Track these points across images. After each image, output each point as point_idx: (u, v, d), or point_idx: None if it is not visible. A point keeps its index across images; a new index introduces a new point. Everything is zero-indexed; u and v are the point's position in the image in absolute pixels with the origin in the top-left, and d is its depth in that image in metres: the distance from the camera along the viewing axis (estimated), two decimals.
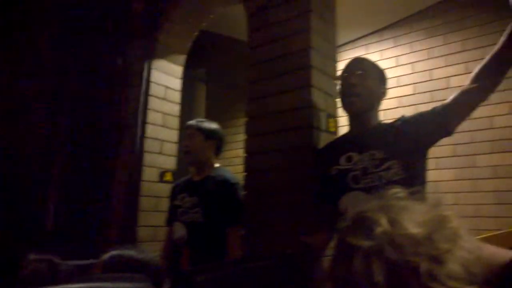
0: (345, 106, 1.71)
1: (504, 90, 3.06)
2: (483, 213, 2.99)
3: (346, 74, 1.71)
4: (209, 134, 2.30)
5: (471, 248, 0.58)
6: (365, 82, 1.65)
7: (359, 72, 1.67)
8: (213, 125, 2.37)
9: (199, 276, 1.02)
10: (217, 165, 2.30)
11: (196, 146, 2.24)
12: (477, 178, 3.09)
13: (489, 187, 3.02)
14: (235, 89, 4.74)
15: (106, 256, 1.29)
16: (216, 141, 2.32)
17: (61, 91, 3.08)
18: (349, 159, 1.62)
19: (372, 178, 1.53)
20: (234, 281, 1.10)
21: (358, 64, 1.73)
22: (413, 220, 0.58)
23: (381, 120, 1.74)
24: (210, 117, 4.96)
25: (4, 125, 2.97)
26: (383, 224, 0.57)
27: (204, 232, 2.09)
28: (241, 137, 4.55)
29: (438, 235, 0.56)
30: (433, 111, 1.61)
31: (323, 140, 1.97)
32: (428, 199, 0.67)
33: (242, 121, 4.60)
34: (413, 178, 1.48)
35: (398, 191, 0.68)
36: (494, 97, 3.03)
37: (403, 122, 1.64)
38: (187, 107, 4.37)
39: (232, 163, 4.61)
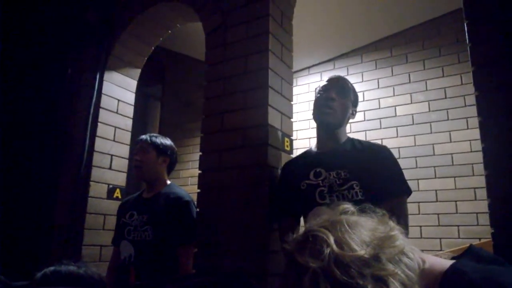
0: (318, 117, 1.76)
1: (447, 120, 3.29)
2: (425, 234, 3.15)
3: (327, 87, 1.76)
4: (162, 150, 2.23)
5: (413, 265, 0.61)
6: (342, 100, 1.72)
7: (340, 89, 1.74)
8: (167, 141, 2.31)
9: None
10: (169, 182, 2.23)
11: (148, 162, 2.17)
12: (420, 201, 3.25)
13: (431, 210, 3.19)
14: (190, 107, 4.70)
15: (39, 274, 1.18)
16: (169, 158, 2.26)
17: (5, 97, 2.89)
18: (317, 175, 1.65)
19: (337, 196, 1.56)
20: None
21: (340, 81, 1.80)
22: (360, 239, 0.60)
23: (351, 138, 1.79)
24: (164, 135, 4.91)
25: None
26: (331, 244, 0.59)
27: (153, 251, 2.01)
28: (196, 156, 4.50)
29: (385, 255, 0.58)
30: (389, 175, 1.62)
31: (279, 158, 1.99)
32: (376, 216, 0.69)
33: (197, 140, 4.57)
34: (373, 201, 1.47)
35: (347, 206, 0.70)
36: (436, 126, 3.29)
37: (370, 150, 1.69)
38: (141, 124, 4.27)
39: (187, 183, 4.52)
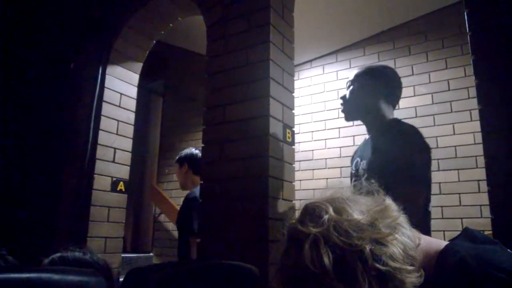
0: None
1: (450, 113, 3.28)
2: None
3: (346, 85, 1.81)
4: (180, 161, 2.59)
5: (410, 236, 0.63)
6: (353, 96, 1.73)
7: (351, 87, 1.76)
8: (184, 151, 2.64)
9: (154, 273, 0.99)
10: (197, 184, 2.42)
11: (178, 176, 2.63)
12: None
13: (435, 202, 3.19)
14: (193, 102, 4.72)
15: (47, 260, 1.21)
16: (187, 164, 2.55)
17: (10, 93, 2.92)
18: (355, 164, 1.72)
19: None
20: (188, 279, 1.08)
21: (353, 79, 1.77)
22: (358, 209, 0.62)
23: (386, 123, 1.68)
24: (166, 130, 4.94)
25: None
26: (330, 211, 0.61)
27: (178, 242, 2.41)
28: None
29: (381, 222, 0.60)
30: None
31: (280, 149, 2.00)
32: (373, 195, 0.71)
33: (199, 135, 4.59)
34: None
35: (344, 188, 0.72)
36: (439, 118, 3.28)
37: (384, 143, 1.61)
38: (143, 119, 4.29)
39: None
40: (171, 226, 4.53)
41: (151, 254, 4.29)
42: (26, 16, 3.02)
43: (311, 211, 0.63)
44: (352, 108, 1.74)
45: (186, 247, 2.24)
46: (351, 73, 1.80)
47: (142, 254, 4.04)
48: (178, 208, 4.38)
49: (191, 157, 2.56)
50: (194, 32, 3.75)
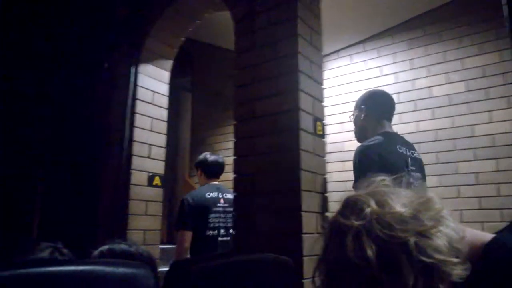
0: None
1: (486, 100, 3.17)
2: (466, 218, 3.08)
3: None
4: (195, 166, 2.82)
5: (455, 228, 0.62)
6: (354, 121, 2.20)
7: (351, 115, 2.24)
8: (199, 156, 2.84)
9: (195, 265, 1.03)
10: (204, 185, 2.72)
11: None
12: (459, 184, 3.17)
13: (471, 193, 3.11)
14: (219, 97, 4.77)
15: (96, 251, 1.28)
16: (199, 168, 2.78)
17: (49, 94, 3.06)
18: None
19: None
20: (228, 271, 1.11)
21: (354, 107, 2.21)
22: (400, 202, 0.62)
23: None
24: (196, 125, 5.03)
25: None
26: (372, 204, 0.61)
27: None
28: (228, 145, 4.59)
29: (424, 215, 0.60)
30: None
31: (311, 142, 2.01)
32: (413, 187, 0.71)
33: (228, 129, 4.65)
34: None
35: (384, 179, 0.71)
36: (474, 106, 3.19)
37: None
38: (174, 116, 4.39)
39: None
40: None
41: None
42: (59, 19, 3.14)
43: (353, 204, 0.63)
44: (356, 132, 2.20)
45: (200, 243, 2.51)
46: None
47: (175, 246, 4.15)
48: None
49: (201, 162, 2.76)
50: (219, 27, 3.79)
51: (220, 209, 2.61)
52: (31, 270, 0.69)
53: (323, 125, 2.16)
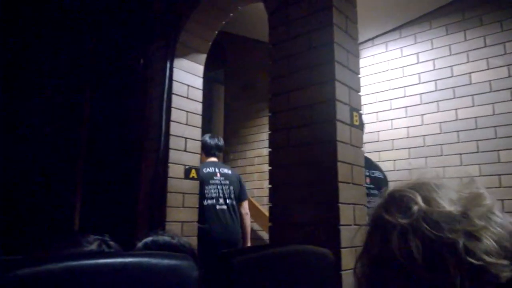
0: None
1: None
2: (507, 208, 2.96)
3: None
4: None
5: (504, 223, 0.60)
6: None
7: None
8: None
9: (236, 257, 1.05)
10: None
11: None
12: (501, 173, 3.06)
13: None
14: (251, 88, 4.78)
15: (140, 243, 1.33)
16: (201, 148, 3.11)
17: (87, 90, 3.17)
18: None
19: None
20: (268, 262, 1.13)
21: None
22: (448, 197, 0.60)
23: None
24: (229, 117, 5.08)
25: (31, 122, 3.05)
26: (419, 201, 0.59)
27: None
28: (261, 136, 4.61)
29: (473, 212, 0.57)
30: None
31: (348, 133, 1.99)
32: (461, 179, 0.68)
33: (261, 120, 4.66)
34: None
35: (430, 170, 0.69)
36: None
37: None
38: (207, 108, 4.44)
39: (253, 163, 4.66)
40: None
41: None
42: (96, 16, 3.23)
43: (398, 200, 0.62)
44: None
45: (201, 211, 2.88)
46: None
47: None
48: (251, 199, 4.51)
49: (203, 143, 3.14)
50: (251, 19, 3.78)
51: (217, 181, 3.02)
52: (83, 262, 0.72)
53: (360, 116, 2.12)
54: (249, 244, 3.23)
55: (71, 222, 3.00)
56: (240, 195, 3.20)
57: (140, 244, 1.31)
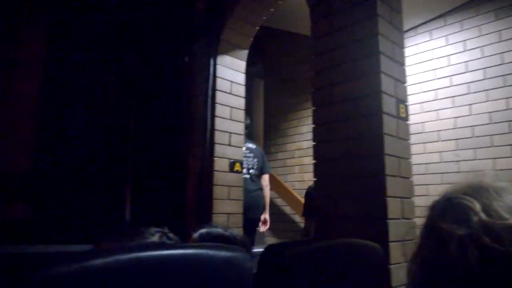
0: None
1: None
2: None
3: None
4: None
5: None
6: None
7: None
8: None
9: (289, 250, 1.08)
10: None
11: None
12: None
13: None
14: (292, 82, 4.78)
15: (196, 234, 1.40)
16: None
17: (134, 88, 3.30)
18: None
19: None
20: (319, 255, 1.15)
21: None
22: (509, 206, 0.57)
23: None
24: (268, 111, 5.11)
25: (82, 118, 3.21)
26: (478, 211, 0.57)
27: None
28: (302, 129, 4.61)
29: None
30: None
31: (394, 126, 1.96)
32: None
33: (302, 114, 4.66)
34: None
35: (488, 172, 0.68)
36: None
37: None
38: (247, 102, 4.49)
39: (293, 155, 4.68)
40: (279, 201, 4.73)
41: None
42: (142, 19, 3.35)
43: (456, 208, 0.60)
44: None
45: None
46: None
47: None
48: (285, 184, 4.56)
49: None
50: (290, 13, 3.77)
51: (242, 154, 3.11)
52: (150, 253, 0.78)
53: (406, 107, 2.09)
54: (268, 212, 3.57)
55: (122, 215, 3.16)
56: (262, 169, 3.56)
57: (195, 236, 1.38)
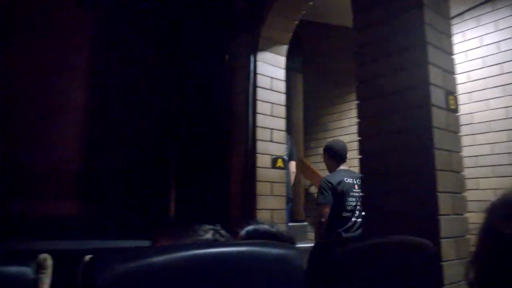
0: None
1: None
2: None
3: None
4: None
5: None
6: None
7: None
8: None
9: (338, 247, 1.07)
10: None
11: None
12: None
13: None
14: (332, 75, 4.72)
15: (243, 231, 1.42)
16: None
17: (178, 88, 3.38)
18: None
19: None
20: (369, 252, 1.14)
21: None
22: None
23: None
24: (308, 106, 5.07)
25: (124, 118, 3.32)
26: None
27: None
28: (343, 123, 4.55)
29: None
30: None
31: (444, 118, 1.89)
32: None
33: (342, 107, 4.59)
34: None
35: None
36: None
37: None
38: (287, 97, 4.48)
39: None
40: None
41: (305, 223, 4.56)
42: (184, 20, 3.42)
43: None
44: None
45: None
46: None
47: (298, 223, 4.33)
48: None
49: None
50: (327, 5, 3.71)
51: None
52: (207, 251, 0.81)
53: (456, 98, 2.00)
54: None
55: (167, 211, 3.26)
56: (290, 155, 3.59)
57: (243, 232, 1.40)
